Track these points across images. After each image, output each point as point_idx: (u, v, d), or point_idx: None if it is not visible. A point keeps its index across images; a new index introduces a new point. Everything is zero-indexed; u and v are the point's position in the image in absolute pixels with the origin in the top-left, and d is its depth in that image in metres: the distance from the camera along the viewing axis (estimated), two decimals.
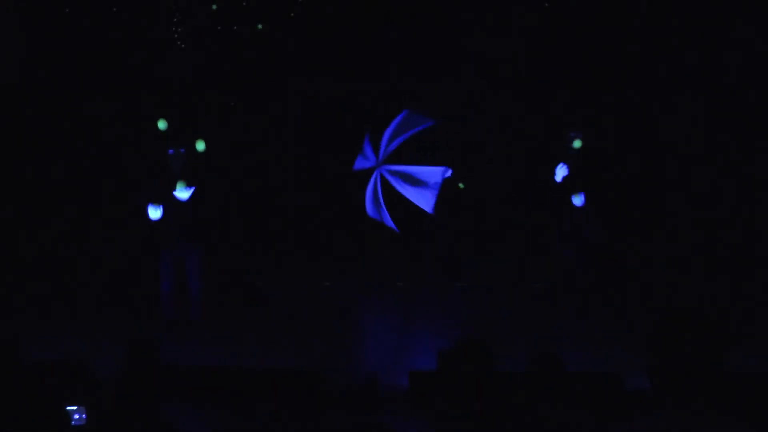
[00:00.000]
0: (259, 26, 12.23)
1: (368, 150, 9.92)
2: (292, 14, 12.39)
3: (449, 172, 10.34)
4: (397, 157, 9.87)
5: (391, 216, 9.79)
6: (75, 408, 4.57)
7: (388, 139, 9.82)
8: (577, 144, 9.77)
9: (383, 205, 9.79)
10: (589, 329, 9.01)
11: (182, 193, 8.92)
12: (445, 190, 10.10)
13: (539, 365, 4.16)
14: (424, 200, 9.81)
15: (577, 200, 9.63)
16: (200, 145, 8.94)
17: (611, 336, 8.65)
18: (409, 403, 6.75)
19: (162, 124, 9.02)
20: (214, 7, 12.30)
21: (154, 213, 8.84)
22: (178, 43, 12.43)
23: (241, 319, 9.35)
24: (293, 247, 12.02)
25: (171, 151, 8.98)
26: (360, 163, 10.01)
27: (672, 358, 2.80)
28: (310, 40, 12.23)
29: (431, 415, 3.90)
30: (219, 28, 12.38)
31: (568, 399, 4.07)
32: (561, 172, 9.68)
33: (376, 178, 9.84)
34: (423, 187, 9.86)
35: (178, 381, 6.91)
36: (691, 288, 10.24)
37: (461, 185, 10.73)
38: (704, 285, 10.30)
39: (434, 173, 9.94)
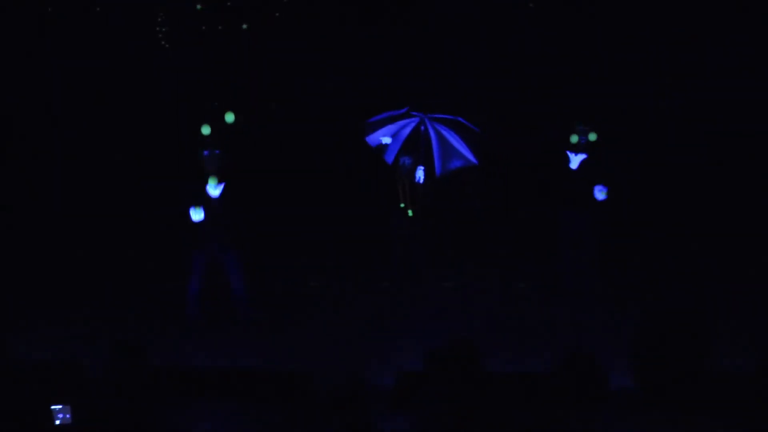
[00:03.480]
0: (244, 26, 12.23)
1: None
2: (277, 14, 12.39)
3: (408, 161, 10.39)
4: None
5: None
6: (59, 407, 4.56)
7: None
8: (592, 137, 9.82)
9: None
10: (576, 327, 9.05)
11: (214, 190, 8.93)
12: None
13: (572, 367, 4.15)
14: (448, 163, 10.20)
15: (600, 195, 9.65)
16: (229, 117, 8.92)
17: (598, 334, 8.69)
18: (395, 404, 6.76)
19: (206, 129, 8.99)
20: (199, 7, 12.29)
21: (197, 215, 8.85)
22: (162, 43, 12.41)
23: (228, 320, 9.34)
24: (280, 246, 12.01)
25: (206, 153, 8.98)
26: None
27: (655, 359, 2.83)
28: (295, 39, 12.24)
29: (417, 415, 3.92)
30: (203, 28, 12.37)
31: (555, 398, 4.10)
32: (578, 159, 9.71)
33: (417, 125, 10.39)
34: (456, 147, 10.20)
35: (168, 381, 6.90)
36: (677, 288, 10.31)
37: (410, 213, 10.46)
38: (688, 285, 10.36)
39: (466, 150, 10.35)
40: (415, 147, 10.34)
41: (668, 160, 11.65)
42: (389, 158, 10.46)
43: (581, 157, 9.81)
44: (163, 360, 7.34)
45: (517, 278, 11.06)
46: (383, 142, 10.34)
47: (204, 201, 8.95)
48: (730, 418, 3.45)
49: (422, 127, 10.42)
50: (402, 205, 10.38)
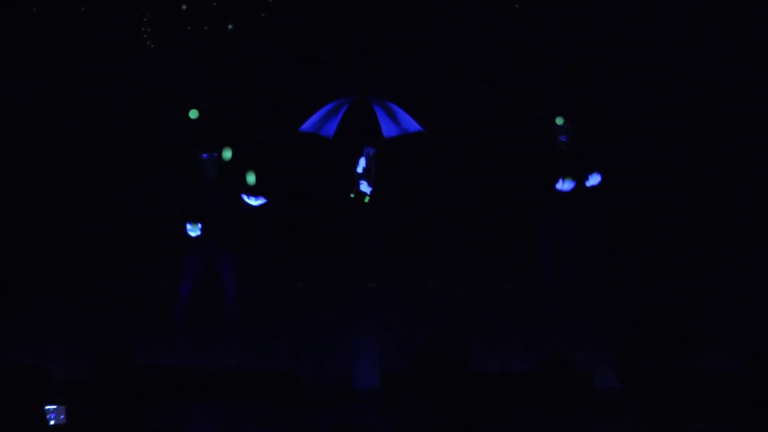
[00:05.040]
0: (230, 27, 12.21)
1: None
2: (263, 14, 12.38)
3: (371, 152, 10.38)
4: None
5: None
6: (54, 407, 4.54)
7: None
8: (559, 121, 9.79)
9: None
10: (562, 327, 9.07)
11: (255, 201, 8.92)
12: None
13: (552, 368, 4.16)
14: (390, 129, 10.20)
15: (566, 185, 9.65)
16: (227, 154, 8.84)
17: (583, 333, 8.71)
18: (381, 404, 6.77)
19: (193, 114, 8.90)
20: (184, 7, 12.26)
21: (194, 231, 8.82)
22: (148, 43, 12.38)
23: (214, 322, 9.31)
24: (264, 248, 12.00)
25: (205, 156, 8.95)
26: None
27: (639, 359, 2.83)
28: (280, 40, 12.23)
29: (405, 416, 3.92)
30: (189, 28, 12.34)
31: (538, 399, 4.10)
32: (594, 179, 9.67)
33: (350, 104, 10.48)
34: (394, 121, 10.20)
35: (153, 382, 6.88)
36: (660, 287, 10.35)
37: (366, 199, 10.49)
38: (672, 284, 10.40)
39: (410, 121, 10.27)
40: (357, 119, 10.42)
41: (655, 159, 11.69)
42: (329, 131, 10.52)
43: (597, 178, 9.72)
44: (148, 361, 7.31)
45: (503, 278, 11.08)
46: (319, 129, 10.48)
47: (201, 204, 8.91)
48: (716, 417, 3.45)
49: (359, 100, 10.50)
50: (352, 195, 10.41)
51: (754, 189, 11.37)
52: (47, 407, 4.50)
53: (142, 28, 12.33)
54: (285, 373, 7.34)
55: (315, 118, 10.67)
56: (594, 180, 9.63)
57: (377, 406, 6.75)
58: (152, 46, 12.43)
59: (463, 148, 12.23)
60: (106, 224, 11.91)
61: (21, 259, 11.39)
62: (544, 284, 10.17)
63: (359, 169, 10.46)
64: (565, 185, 9.67)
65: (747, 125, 11.44)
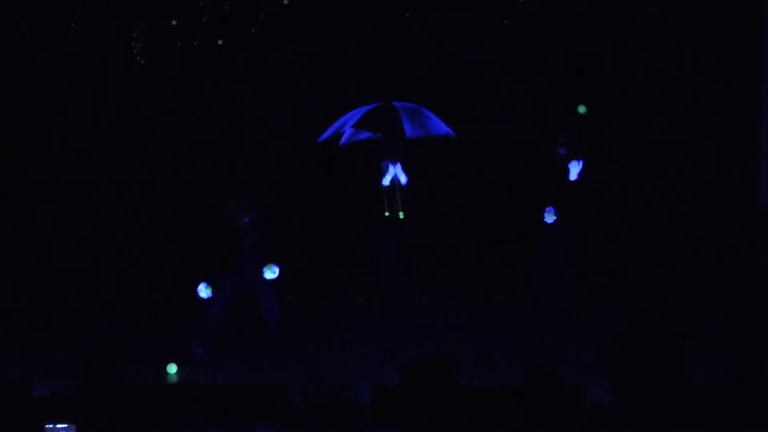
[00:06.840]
0: (220, 42, 12.22)
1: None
2: (253, 30, 12.40)
3: (397, 166, 10.11)
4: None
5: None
6: (65, 426, 4.51)
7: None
8: (581, 109, 9.75)
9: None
10: (551, 341, 9.07)
11: (271, 274, 8.91)
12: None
13: (536, 382, 4.16)
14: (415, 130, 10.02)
15: (549, 218, 9.66)
16: (172, 369, 8.71)
17: (572, 348, 8.71)
18: (371, 418, 6.75)
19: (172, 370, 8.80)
20: (174, 22, 12.28)
21: (205, 292, 8.74)
22: (138, 59, 12.38)
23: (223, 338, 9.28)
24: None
25: (246, 220, 8.96)
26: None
27: (632, 373, 2.83)
28: (270, 54, 12.24)
29: (394, 430, 3.91)
30: (179, 43, 12.35)
31: (527, 413, 4.09)
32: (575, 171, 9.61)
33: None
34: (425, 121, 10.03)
35: (141, 398, 6.85)
36: (652, 300, 10.36)
37: (401, 215, 10.10)
38: (664, 296, 10.42)
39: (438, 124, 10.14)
40: (378, 121, 10.11)
41: (646, 171, 11.73)
42: (343, 139, 10.24)
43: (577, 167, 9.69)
44: (139, 377, 7.29)
45: (494, 292, 11.07)
46: (341, 129, 10.19)
47: (239, 246, 8.92)
48: (708, 430, 3.45)
49: (385, 104, 10.17)
50: (387, 213, 10.09)
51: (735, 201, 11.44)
52: (58, 426, 4.47)
53: (132, 44, 12.33)
54: (274, 386, 7.31)
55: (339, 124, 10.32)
56: (575, 169, 9.62)
57: (368, 419, 6.73)
58: (142, 61, 12.44)
59: (457, 160, 12.22)
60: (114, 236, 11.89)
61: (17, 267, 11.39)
62: (535, 298, 10.17)
63: (385, 182, 10.14)
64: (549, 218, 9.69)
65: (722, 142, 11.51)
